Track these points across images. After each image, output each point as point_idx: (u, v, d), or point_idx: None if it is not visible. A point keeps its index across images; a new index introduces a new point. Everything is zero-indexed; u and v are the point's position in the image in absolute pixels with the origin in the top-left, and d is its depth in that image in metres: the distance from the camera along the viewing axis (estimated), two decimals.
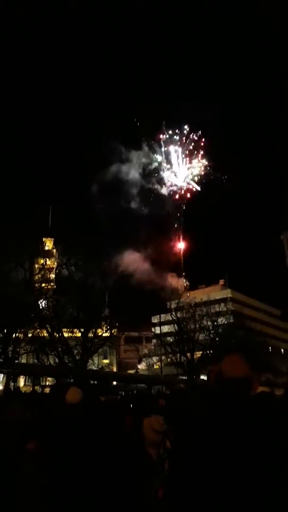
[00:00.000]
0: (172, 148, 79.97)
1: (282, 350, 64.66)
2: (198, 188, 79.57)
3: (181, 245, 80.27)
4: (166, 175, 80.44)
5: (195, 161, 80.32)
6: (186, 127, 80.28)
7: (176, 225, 79.53)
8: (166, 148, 80.00)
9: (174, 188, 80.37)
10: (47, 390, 23.89)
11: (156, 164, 79.34)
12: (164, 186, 79.83)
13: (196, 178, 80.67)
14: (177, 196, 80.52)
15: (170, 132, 80.00)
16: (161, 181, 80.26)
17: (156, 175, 79.47)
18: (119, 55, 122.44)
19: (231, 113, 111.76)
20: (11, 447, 3.69)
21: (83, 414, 3.09)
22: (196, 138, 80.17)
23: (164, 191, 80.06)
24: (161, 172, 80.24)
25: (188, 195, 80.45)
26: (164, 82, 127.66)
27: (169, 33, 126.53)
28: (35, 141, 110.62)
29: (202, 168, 79.80)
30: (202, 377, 34.86)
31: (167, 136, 79.92)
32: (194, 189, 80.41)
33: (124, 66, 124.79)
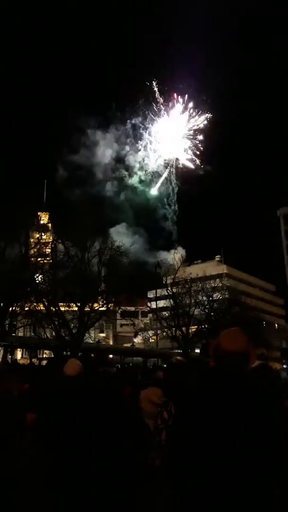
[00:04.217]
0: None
1: (276, 325, 65.60)
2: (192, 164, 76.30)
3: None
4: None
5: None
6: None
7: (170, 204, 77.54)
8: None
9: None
10: (44, 362, 24.22)
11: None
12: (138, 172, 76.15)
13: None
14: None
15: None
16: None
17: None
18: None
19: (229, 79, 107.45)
20: (10, 419, 3.74)
21: (82, 386, 3.12)
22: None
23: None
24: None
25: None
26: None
27: None
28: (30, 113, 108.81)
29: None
30: (196, 350, 35.42)
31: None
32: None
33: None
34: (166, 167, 75.35)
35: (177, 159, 75.26)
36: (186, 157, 74.99)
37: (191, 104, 72.73)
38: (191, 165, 74.01)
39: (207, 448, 1.85)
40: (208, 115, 70.95)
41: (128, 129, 73.15)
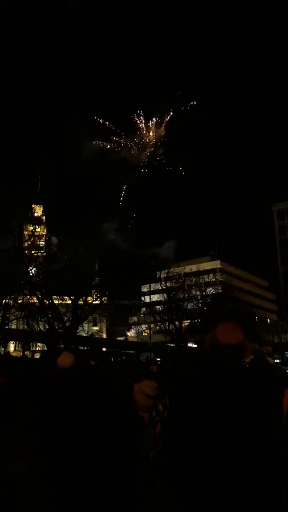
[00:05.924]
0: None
1: (268, 320, 66.05)
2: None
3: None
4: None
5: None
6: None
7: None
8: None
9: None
10: (37, 355, 24.21)
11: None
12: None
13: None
14: None
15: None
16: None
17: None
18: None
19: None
20: (3, 408, 3.73)
21: (76, 377, 3.12)
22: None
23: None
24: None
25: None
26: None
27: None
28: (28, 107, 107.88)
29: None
30: (189, 344, 35.61)
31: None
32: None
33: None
34: (154, 162, 74.30)
35: (166, 153, 74.15)
36: (176, 152, 73.93)
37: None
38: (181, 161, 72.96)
39: (203, 440, 1.85)
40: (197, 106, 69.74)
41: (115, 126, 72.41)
